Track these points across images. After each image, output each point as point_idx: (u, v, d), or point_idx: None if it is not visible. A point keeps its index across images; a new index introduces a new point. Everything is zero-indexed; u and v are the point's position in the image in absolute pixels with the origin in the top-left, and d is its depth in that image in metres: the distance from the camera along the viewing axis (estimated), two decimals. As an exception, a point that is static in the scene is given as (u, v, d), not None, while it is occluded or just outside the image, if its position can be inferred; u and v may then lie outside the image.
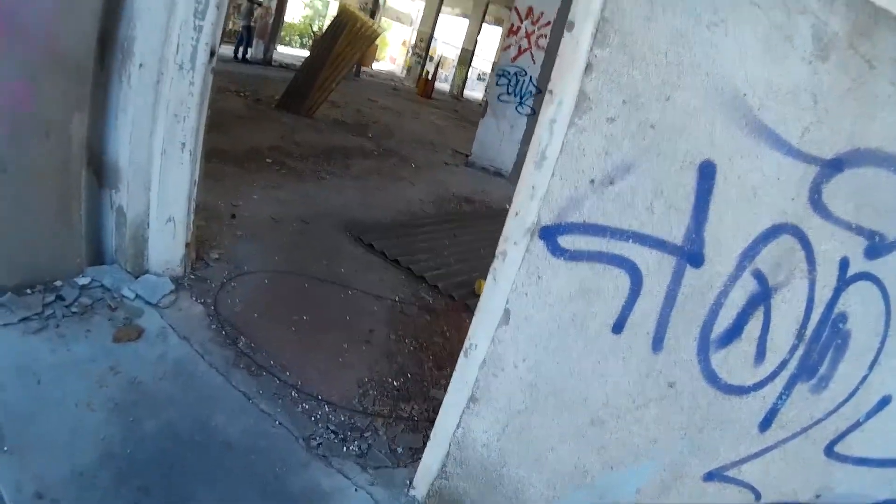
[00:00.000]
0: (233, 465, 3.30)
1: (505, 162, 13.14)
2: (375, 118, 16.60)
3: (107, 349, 3.87)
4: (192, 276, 4.98)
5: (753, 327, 2.68)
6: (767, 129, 2.45)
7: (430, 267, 6.65)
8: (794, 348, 2.71)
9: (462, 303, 6.04)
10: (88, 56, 3.96)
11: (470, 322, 3.08)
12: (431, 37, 32.52)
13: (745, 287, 2.63)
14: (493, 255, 2.90)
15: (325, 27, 22.74)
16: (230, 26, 21.40)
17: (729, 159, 2.49)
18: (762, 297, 2.64)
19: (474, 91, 40.35)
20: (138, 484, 3.00)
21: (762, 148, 2.47)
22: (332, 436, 3.72)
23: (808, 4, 2.33)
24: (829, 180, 2.48)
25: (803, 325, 2.67)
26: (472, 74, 39.31)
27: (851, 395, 2.78)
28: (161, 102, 4.24)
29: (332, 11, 35.23)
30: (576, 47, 2.55)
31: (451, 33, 40.77)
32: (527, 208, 2.74)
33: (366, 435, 3.81)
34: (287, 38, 32.88)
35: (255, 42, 22.86)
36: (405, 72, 37.04)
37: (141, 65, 4.11)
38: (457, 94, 34.41)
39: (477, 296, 3.39)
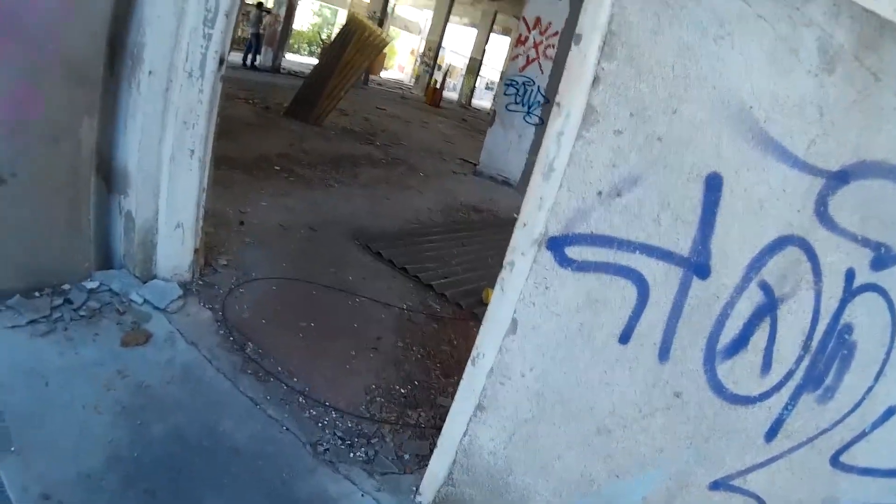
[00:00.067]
0: (240, 470, 3.30)
1: (513, 171, 13.12)
2: (384, 126, 16.61)
3: (115, 353, 3.89)
4: (201, 282, 5.00)
5: (759, 338, 2.69)
6: (774, 142, 2.46)
7: (437, 275, 6.65)
8: (799, 359, 2.72)
9: (469, 311, 6.04)
10: (98, 62, 3.99)
11: (477, 331, 3.09)
12: (440, 46, 32.52)
13: (752, 298, 2.64)
14: (500, 265, 2.91)
15: (333, 35, 22.86)
16: (239, 33, 21.41)
17: (735, 172, 2.51)
18: (768, 308, 2.65)
19: (482, 100, 40.43)
20: (145, 487, 3.02)
21: (768, 160, 2.48)
22: (339, 442, 3.73)
23: (814, 17, 2.35)
24: (835, 192, 2.50)
25: (809, 336, 2.68)
26: (480, 84, 39.38)
27: (857, 405, 2.79)
28: (170, 109, 4.26)
29: (341, 20, 35.42)
30: (583, 60, 2.56)
31: (459, 42, 40.89)
32: (534, 219, 2.75)
33: (373, 441, 3.82)
34: (296, 46, 32.96)
35: (263, 49, 22.96)
36: (413, 80, 37.17)
37: (150, 72, 4.14)
38: (465, 102, 34.45)
39: (484, 304, 3.41)
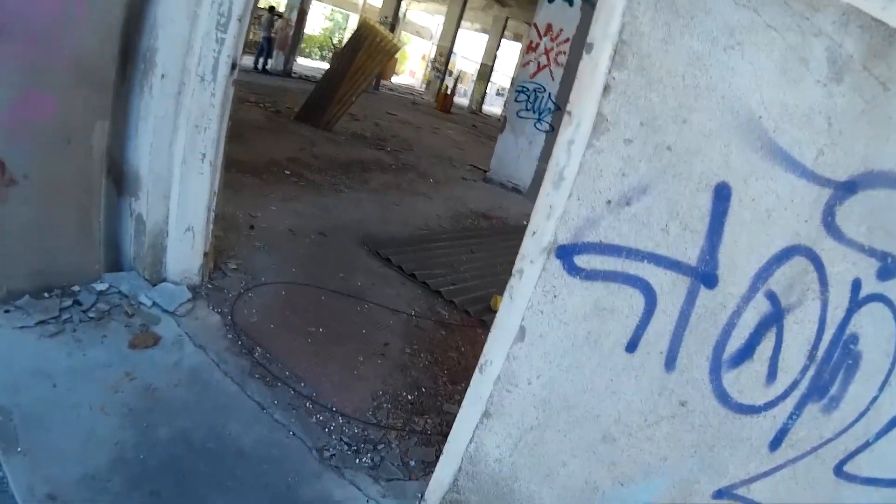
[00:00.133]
0: (245, 474, 3.31)
1: (523, 178, 13.10)
2: (394, 132, 16.65)
3: (123, 355, 3.91)
4: (210, 286, 5.01)
5: (765, 347, 2.69)
6: (782, 152, 2.46)
7: (446, 282, 6.65)
8: (805, 369, 2.71)
9: (478, 318, 6.03)
10: (110, 65, 4.02)
11: (485, 338, 3.09)
12: (451, 51, 32.56)
13: (758, 308, 2.64)
14: (509, 272, 2.92)
15: (344, 40, 22.90)
16: (251, 37, 21.46)
17: (744, 181, 2.51)
18: (775, 317, 2.65)
19: (493, 106, 40.50)
20: (150, 489, 3.03)
21: (777, 170, 2.48)
22: (346, 447, 3.74)
23: (823, 27, 2.35)
24: (843, 202, 2.50)
25: (815, 346, 2.68)
26: (490, 89, 39.39)
27: (861, 415, 2.78)
28: (182, 113, 4.28)
29: (352, 24, 35.50)
30: (594, 69, 2.57)
31: (470, 48, 40.96)
32: (544, 227, 2.76)
33: (379, 447, 3.82)
34: (307, 50, 33.10)
35: (275, 53, 23.06)
36: (424, 86, 37.22)
37: (163, 75, 4.17)
38: (475, 108, 34.50)
39: (493, 311, 3.41)
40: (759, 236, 2.56)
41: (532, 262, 2.81)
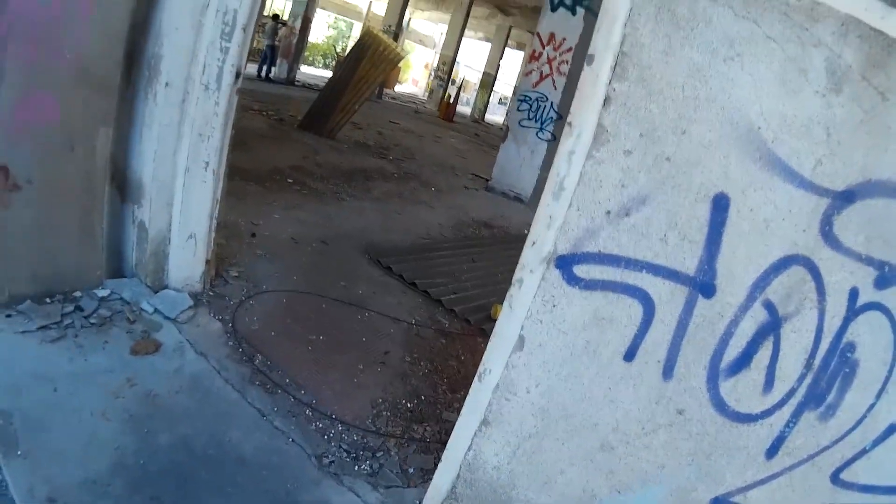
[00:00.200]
0: (245, 480, 3.32)
1: (525, 187, 13.11)
2: (397, 141, 16.66)
3: (124, 361, 3.91)
4: (211, 293, 5.03)
5: (763, 356, 2.70)
6: (781, 162, 2.48)
7: (447, 291, 6.66)
8: (802, 377, 2.72)
9: (478, 327, 6.04)
10: (115, 71, 4.04)
11: (485, 346, 3.10)
12: (454, 60, 32.54)
13: (756, 317, 2.65)
14: (510, 281, 2.93)
15: (348, 48, 22.97)
16: (254, 45, 21.54)
17: (742, 192, 2.52)
18: (772, 326, 2.66)
19: (495, 115, 40.53)
20: (150, 494, 3.03)
21: (775, 181, 2.49)
22: (345, 454, 3.74)
23: (822, 37, 2.37)
24: (841, 212, 2.51)
25: (812, 355, 2.69)
26: (493, 98, 39.44)
27: (858, 423, 2.79)
28: (186, 121, 4.30)
29: (356, 33, 35.56)
30: (595, 80, 2.59)
31: (473, 57, 41.04)
32: (543, 237, 2.77)
33: (378, 455, 3.83)
34: (310, 58, 33.12)
35: (278, 61, 23.11)
36: (427, 94, 37.23)
37: (167, 83, 4.19)
38: (478, 117, 34.52)
39: (493, 320, 3.42)
40: (757, 246, 2.57)
41: (532, 272, 2.82)
